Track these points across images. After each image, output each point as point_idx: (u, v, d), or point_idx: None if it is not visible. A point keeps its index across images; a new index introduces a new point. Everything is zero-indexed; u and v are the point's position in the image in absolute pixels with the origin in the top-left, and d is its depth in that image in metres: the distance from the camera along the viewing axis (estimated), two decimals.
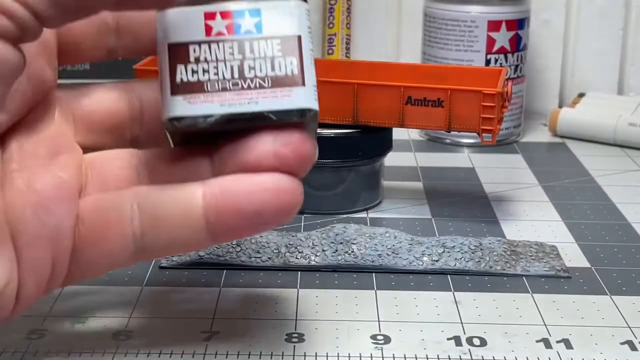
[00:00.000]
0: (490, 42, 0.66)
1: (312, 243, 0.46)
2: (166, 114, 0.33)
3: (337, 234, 0.46)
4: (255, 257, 0.46)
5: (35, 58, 0.33)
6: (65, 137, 0.35)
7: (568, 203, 0.56)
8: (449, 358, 0.37)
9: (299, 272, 0.45)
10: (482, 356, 0.38)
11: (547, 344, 0.39)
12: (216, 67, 0.33)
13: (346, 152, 0.52)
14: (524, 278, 0.45)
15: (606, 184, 0.59)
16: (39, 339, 0.38)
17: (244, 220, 0.33)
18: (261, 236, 0.46)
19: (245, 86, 0.33)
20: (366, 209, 0.54)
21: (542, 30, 0.75)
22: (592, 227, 0.52)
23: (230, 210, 0.33)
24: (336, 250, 0.46)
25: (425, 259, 0.46)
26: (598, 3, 0.75)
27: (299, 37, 0.34)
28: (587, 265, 0.47)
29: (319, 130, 0.51)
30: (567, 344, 0.39)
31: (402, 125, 0.51)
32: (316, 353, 0.38)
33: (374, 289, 0.44)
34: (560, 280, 0.45)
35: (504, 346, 0.38)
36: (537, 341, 0.39)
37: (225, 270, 0.45)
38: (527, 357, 0.38)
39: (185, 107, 0.33)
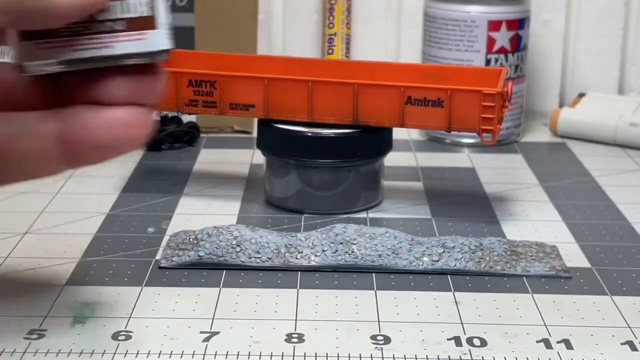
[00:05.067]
0: (491, 42, 0.66)
1: (312, 243, 0.46)
2: (15, 59, 0.33)
3: (337, 234, 0.46)
4: (255, 257, 0.46)
5: None
6: None
7: (568, 203, 0.55)
8: (449, 358, 0.37)
9: (299, 272, 0.45)
10: (482, 356, 0.38)
11: (547, 344, 0.39)
12: None
13: (346, 152, 0.52)
14: (524, 278, 0.45)
15: (606, 184, 0.59)
16: (39, 339, 0.38)
17: (98, 149, 0.33)
18: (261, 236, 0.46)
19: (98, 30, 0.33)
20: (366, 209, 0.54)
21: (542, 30, 0.75)
22: (592, 227, 0.52)
23: (87, 144, 0.33)
24: (336, 251, 0.46)
25: (425, 259, 0.46)
26: (598, 3, 0.75)
27: None
28: (588, 265, 0.47)
29: (318, 130, 0.52)
30: (568, 344, 0.39)
31: (402, 125, 0.51)
32: (316, 353, 0.38)
33: (374, 289, 0.44)
34: (561, 281, 0.45)
35: (504, 346, 0.38)
36: (537, 341, 0.39)
37: (225, 270, 0.45)
38: (527, 358, 0.38)
39: (35, 52, 0.33)
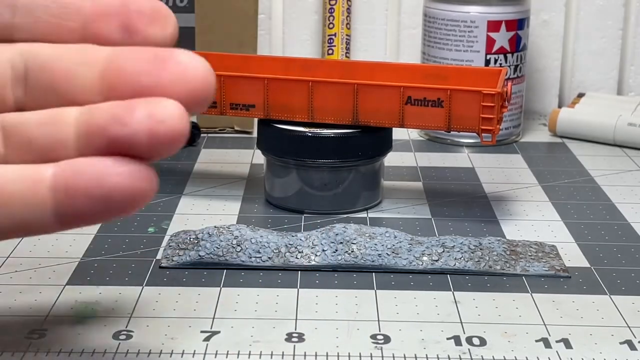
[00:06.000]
0: (490, 42, 0.66)
1: (312, 243, 0.46)
2: None
3: (337, 234, 0.46)
4: (255, 257, 0.46)
5: None
6: None
7: (567, 203, 0.56)
8: (449, 358, 0.38)
9: (299, 272, 0.45)
10: (482, 356, 0.38)
11: (546, 343, 0.39)
12: None
13: (346, 152, 0.52)
14: (523, 278, 0.45)
15: (606, 184, 0.59)
16: (39, 339, 0.39)
17: (92, 203, 0.31)
18: (261, 236, 0.46)
19: None
20: (366, 209, 0.54)
21: (542, 30, 0.75)
22: (591, 227, 0.52)
23: (79, 192, 0.31)
24: (336, 250, 0.46)
25: (425, 258, 0.46)
26: (597, 3, 0.75)
27: None
28: (587, 265, 0.47)
29: (319, 130, 0.52)
30: (567, 343, 0.39)
31: (402, 125, 0.51)
32: (316, 353, 0.38)
33: (373, 288, 0.44)
34: (560, 280, 0.45)
35: (504, 346, 0.39)
36: (536, 341, 0.39)
37: (225, 270, 0.45)
38: (526, 357, 0.38)
39: None
